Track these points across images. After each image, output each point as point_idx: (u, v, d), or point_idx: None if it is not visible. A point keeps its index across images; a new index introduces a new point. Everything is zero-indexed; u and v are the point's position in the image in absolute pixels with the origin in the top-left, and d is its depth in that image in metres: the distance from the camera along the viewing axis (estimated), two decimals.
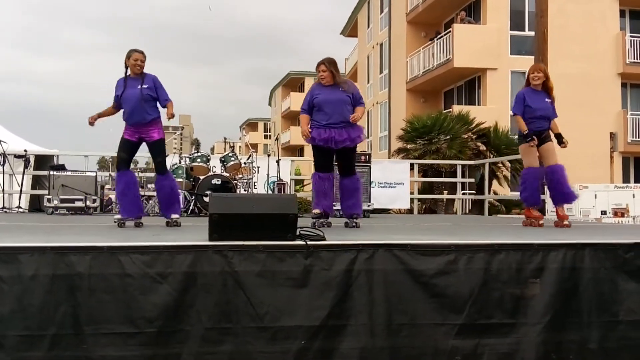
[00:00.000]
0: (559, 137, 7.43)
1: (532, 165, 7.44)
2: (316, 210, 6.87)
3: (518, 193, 7.92)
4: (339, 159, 6.87)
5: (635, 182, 20.87)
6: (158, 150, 6.69)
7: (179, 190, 10.62)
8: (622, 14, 23.66)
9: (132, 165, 7.34)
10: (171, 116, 6.55)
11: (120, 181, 6.62)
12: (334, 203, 7.26)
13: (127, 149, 6.61)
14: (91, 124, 6.75)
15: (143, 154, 7.63)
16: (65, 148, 17.81)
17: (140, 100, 6.45)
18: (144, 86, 6.49)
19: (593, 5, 22.64)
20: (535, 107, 7.35)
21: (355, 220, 6.83)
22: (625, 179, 22.53)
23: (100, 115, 6.76)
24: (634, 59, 23.26)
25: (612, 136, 20.78)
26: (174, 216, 6.76)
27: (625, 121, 23.16)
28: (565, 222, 7.38)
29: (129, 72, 6.59)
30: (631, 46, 23.30)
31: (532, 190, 7.47)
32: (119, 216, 6.61)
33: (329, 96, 6.70)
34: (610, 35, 23.09)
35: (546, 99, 7.41)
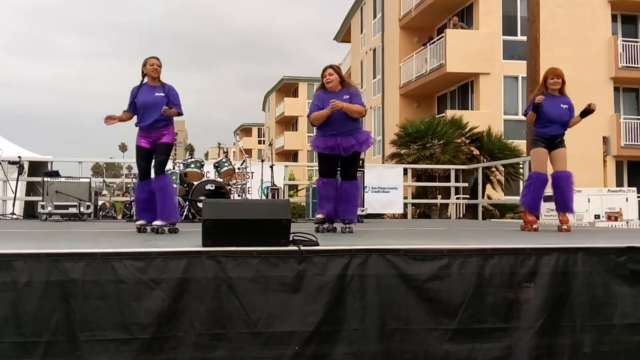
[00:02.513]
0: (584, 113, 7.42)
1: (539, 169, 7.46)
2: (319, 215, 6.79)
3: (511, 197, 8.04)
4: (343, 163, 6.75)
5: (629, 185, 20.89)
6: (162, 152, 6.68)
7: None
8: (614, 18, 23.78)
9: (126, 171, 7.32)
10: (166, 112, 6.52)
11: (144, 190, 6.67)
12: None
13: (144, 156, 6.70)
14: (107, 123, 6.76)
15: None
16: (59, 154, 17.78)
17: (154, 106, 6.52)
18: (160, 94, 6.58)
19: (585, 10, 22.75)
20: (551, 112, 7.36)
21: (348, 225, 6.76)
22: (619, 183, 22.61)
23: (121, 119, 6.76)
24: (627, 63, 23.37)
25: (605, 140, 20.83)
26: (157, 223, 6.49)
27: (619, 125, 23.24)
28: (564, 227, 7.38)
29: (145, 79, 6.68)
30: (623, 50, 23.41)
31: (534, 196, 7.49)
32: (140, 222, 6.68)
33: None
34: (602, 39, 23.19)
35: (562, 105, 7.39)
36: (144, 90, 6.63)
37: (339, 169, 6.85)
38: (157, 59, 6.69)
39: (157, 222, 6.49)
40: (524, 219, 7.78)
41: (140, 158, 6.71)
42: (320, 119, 6.60)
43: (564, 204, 7.44)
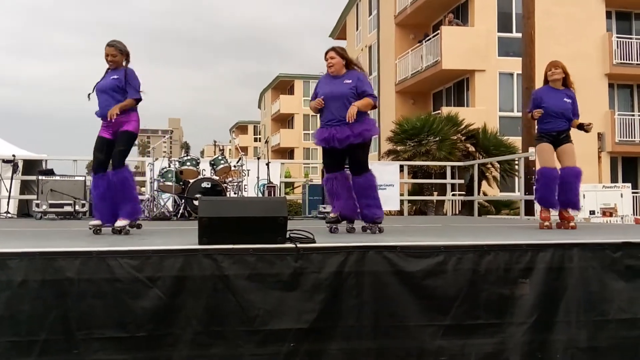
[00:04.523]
0: (580, 126, 7.17)
1: (547, 165, 7.12)
2: (332, 214, 6.19)
3: (507, 194, 7.90)
4: (348, 156, 6.20)
5: (623, 181, 20.93)
6: (122, 141, 5.94)
7: (169, 194, 10.64)
8: (608, 15, 23.80)
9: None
10: (113, 114, 5.74)
11: (98, 185, 5.97)
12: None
13: (102, 147, 5.98)
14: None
15: (132, 157, 7.49)
16: (53, 153, 17.73)
17: (108, 90, 5.91)
18: (114, 76, 5.94)
19: (579, 7, 22.75)
20: (551, 106, 7.09)
21: (377, 225, 6.08)
22: (614, 179, 22.64)
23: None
24: (621, 60, 23.39)
25: (600, 136, 20.85)
26: (119, 224, 5.86)
27: (613, 121, 23.28)
28: (572, 224, 7.08)
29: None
30: (618, 47, 23.44)
31: (547, 192, 7.10)
32: (95, 222, 5.93)
33: (331, 90, 6.04)
34: (596, 36, 23.22)
35: (565, 99, 7.13)
36: (103, 77, 6.04)
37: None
38: (112, 46, 6.00)
39: (119, 223, 5.84)
40: (541, 217, 7.27)
41: (97, 149, 5.98)
42: (314, 110, 6.24)
43: (572, 201, 7.14)
